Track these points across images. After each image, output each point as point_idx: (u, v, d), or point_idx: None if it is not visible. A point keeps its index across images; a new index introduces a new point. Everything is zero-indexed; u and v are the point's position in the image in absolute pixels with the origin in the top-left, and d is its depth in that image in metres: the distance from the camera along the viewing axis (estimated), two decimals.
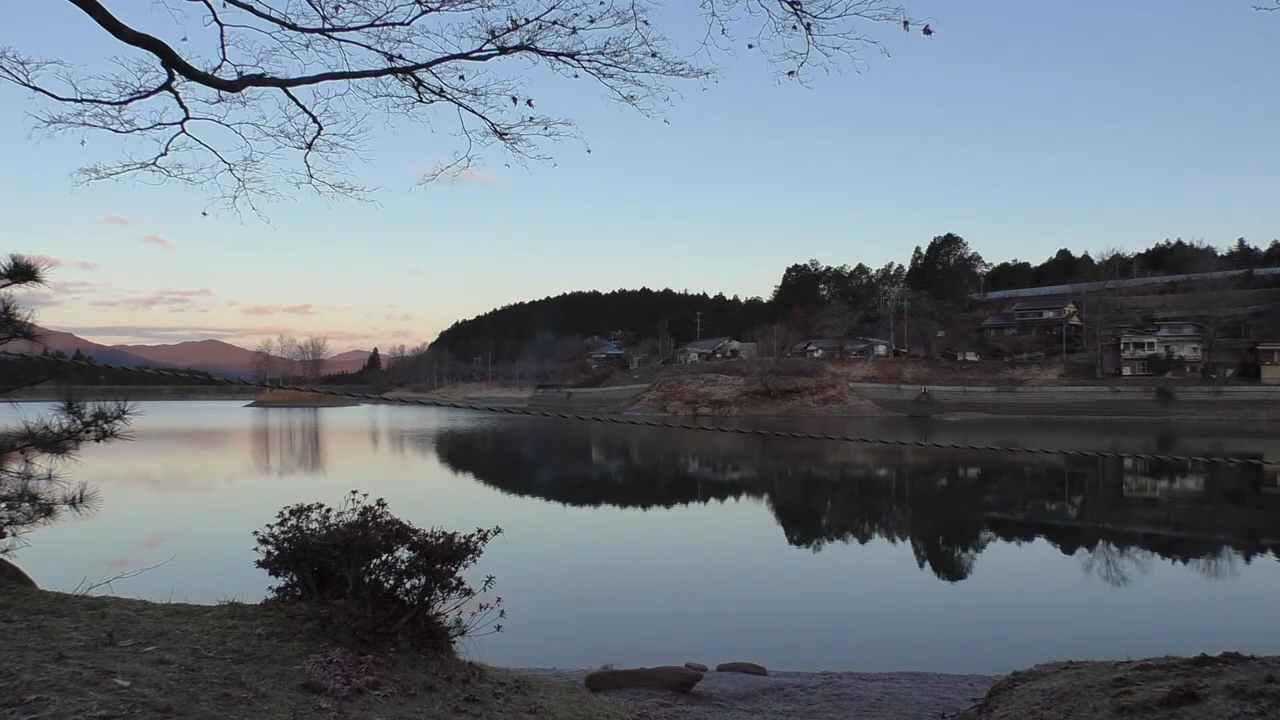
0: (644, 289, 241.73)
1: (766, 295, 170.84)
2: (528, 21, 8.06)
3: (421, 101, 8.92)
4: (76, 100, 8.42)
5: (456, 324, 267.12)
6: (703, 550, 21.31)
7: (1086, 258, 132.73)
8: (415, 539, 5.12)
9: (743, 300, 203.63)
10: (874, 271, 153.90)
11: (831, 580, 17.62)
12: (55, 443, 5.69)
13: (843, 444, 52.29)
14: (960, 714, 6.54)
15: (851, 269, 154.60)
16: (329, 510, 5.27)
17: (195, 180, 9.70)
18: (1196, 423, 79.14)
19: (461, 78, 8.65)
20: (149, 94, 8.46)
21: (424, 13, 8.08)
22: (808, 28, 7.54)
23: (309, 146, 9.57)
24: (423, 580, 5.09)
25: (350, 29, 8.26)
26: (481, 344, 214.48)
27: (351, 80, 8.68)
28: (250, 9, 7.96)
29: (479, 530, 5.28)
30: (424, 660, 4.86)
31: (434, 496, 30.58)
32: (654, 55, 8.12)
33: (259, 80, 8.47)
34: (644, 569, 18.57)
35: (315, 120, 9.34)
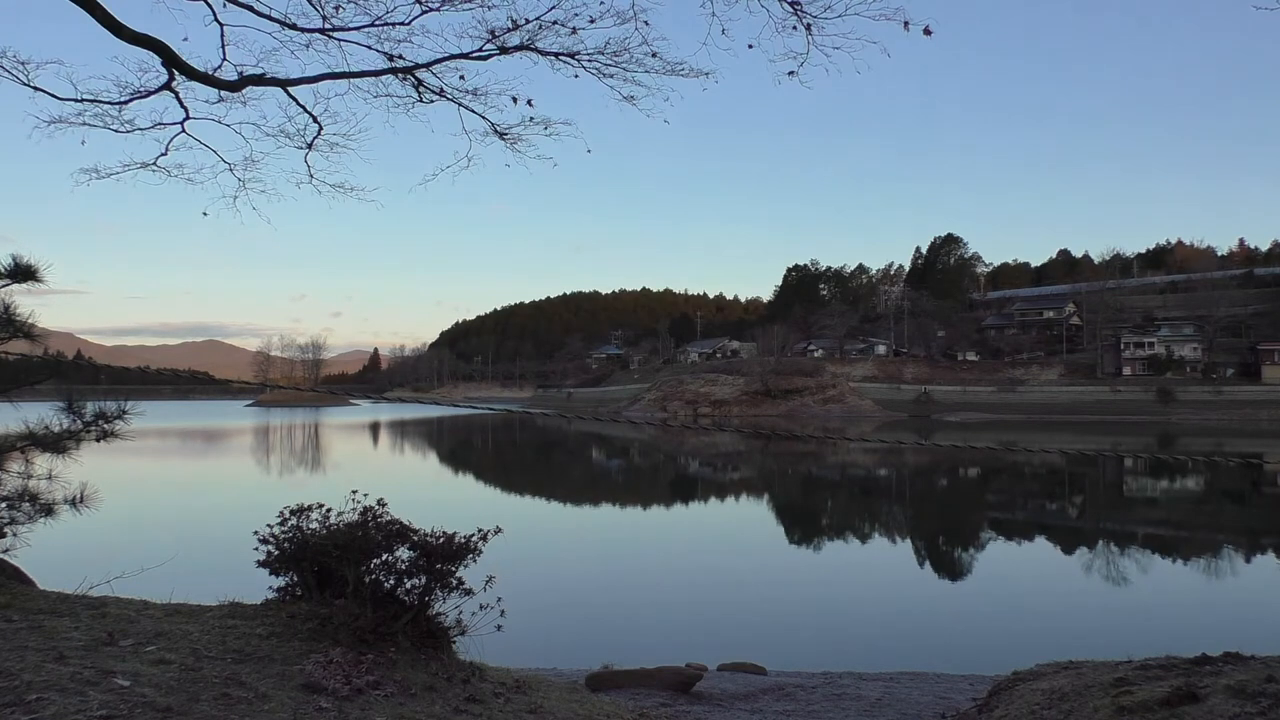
0: (644, 289, 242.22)
1: (766, 295, 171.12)
2: (528, 21, 8.07)
3: (421, 101, 8.93)
4: (77, 100, 8.43)
5: (456, 324, 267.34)
6: (703, 550, 21.31)
7: (1086, 258, 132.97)
8: (415, 539, 5.12)
9: (743, 300, 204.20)
10: (874, 271, 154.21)
11: (831, 580, 17.61)
12: (55, 443, 5.68)
13: (843, 444, 52.31)
14: (961, 714, 6.54)
15: (851, 269, 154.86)
16: (329, 510, 5.27)
17: (195, 180, 9.71)
18: (1197, 423, 79.12)
19: (462, 78, 8.66)
20: (149, 94, 8.46)
21: (424, 13, 8.08)
22: (808, 28, 7.54)
23: (309, 146, 9.58)
24: (423, 580, 5.09)
25: (350, 29, 8.26)
26: (481, 344, 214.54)
27: (351, 80, 8.68)
28: (250, 9, 7.96)
29: (479, 530, 5.27)
30: (424, 660, 4.86)
31: (434, 496, 30.59)
32: (654, 55, 8.13)
33: (259, 80, 8.47)
34: (644, 569, 18.56)
35: (315, 120, 9.35)
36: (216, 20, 8.17)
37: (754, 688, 8.14)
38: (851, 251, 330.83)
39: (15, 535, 5.49)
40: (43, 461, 5.69)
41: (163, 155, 9.24)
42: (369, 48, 8.37)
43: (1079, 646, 8.60)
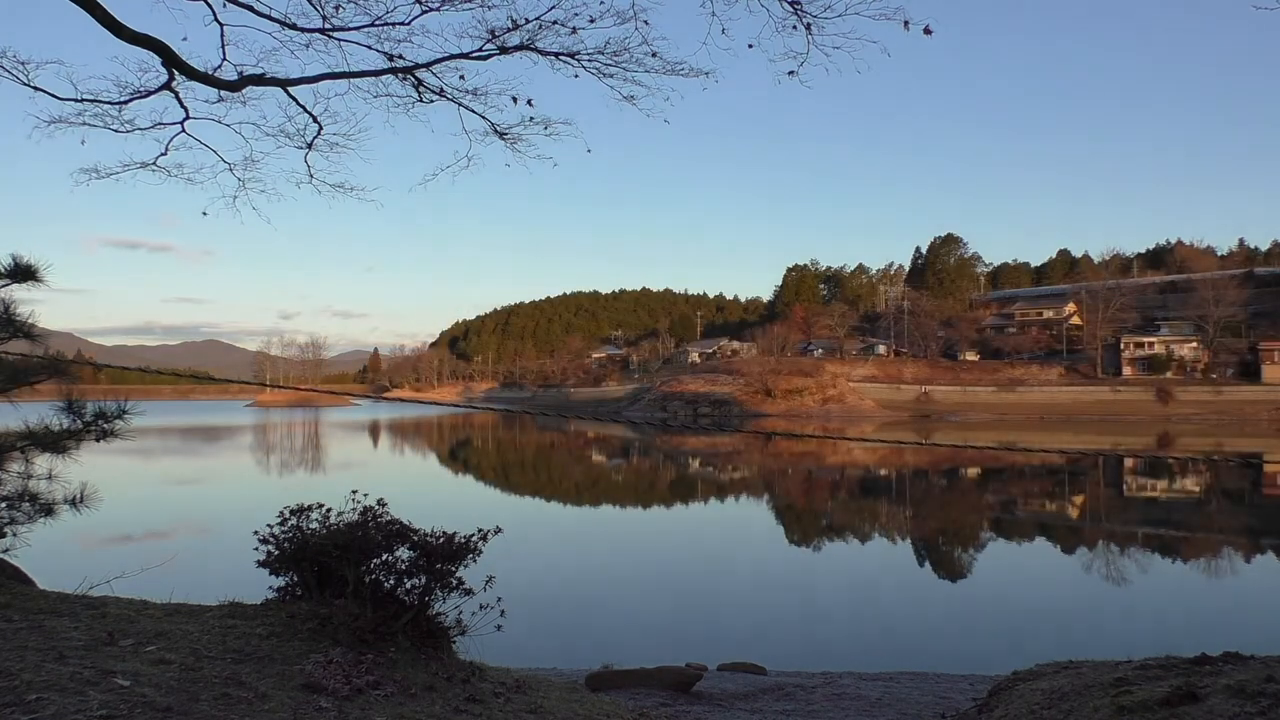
0: (644, 288, 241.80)
1: (766, 295, 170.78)
2: (528, 21, 8.07)
3: (421, 101, 8.93)
4: (77, 100, 8.44)
5: (456, 323, 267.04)
6: (703, 550, 21.31)
7: (1086, 258, 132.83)
8: (415, 539, 5.12)
9: (743, 300, 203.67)
10: (874, 271, 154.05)
11: (832, 580, 17.62)
12: (55, 443, 5.68)
13: (842, 443, 52.30)
14: (960, 714, 6.54)
15: (851, 269, 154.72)
16: (329, 510, 5.27)
17: (195, 180, 9.74)
18: (1197, 423, 79.13)
19: (462, 78, 8.67)
20: (149, 94, 8.47)
21: (424, 13, 8.09)
22: (808, 28, 7.54)
23: (309, 146, 9.59)
24: (423, 580, 5.09)
25: (350, 29, 8.27)
26: (481, 344, 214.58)
27: (351, 80, 8.69)
28: (250, 9, 7.97)
29: (479, 530, 5.28)
30: (424, 660, 4.86)
31: (433, 495, 30.59)
32: (654, 55, 8.13)
33: (259, 80, 8.48)
34: (644, 569, 18.56)
35: (315, 120, 9.36)
36: (216, 20, 8.18)
37: (754, 688, 8.14)
38: (851, 251, 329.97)
39: (15, 535, 5.49)
40: (43, 461, 5.69)
41: (163, 155, 9.27)
42: (369, 48, 8.39)
43: (1079, 646, 8.61)
